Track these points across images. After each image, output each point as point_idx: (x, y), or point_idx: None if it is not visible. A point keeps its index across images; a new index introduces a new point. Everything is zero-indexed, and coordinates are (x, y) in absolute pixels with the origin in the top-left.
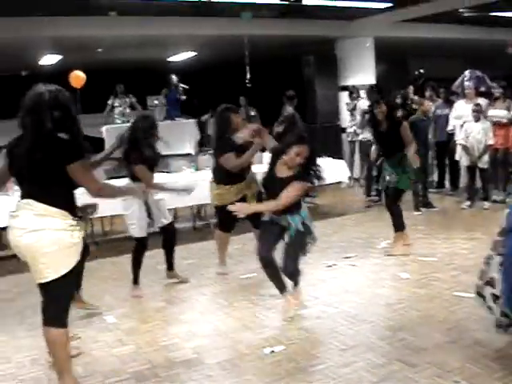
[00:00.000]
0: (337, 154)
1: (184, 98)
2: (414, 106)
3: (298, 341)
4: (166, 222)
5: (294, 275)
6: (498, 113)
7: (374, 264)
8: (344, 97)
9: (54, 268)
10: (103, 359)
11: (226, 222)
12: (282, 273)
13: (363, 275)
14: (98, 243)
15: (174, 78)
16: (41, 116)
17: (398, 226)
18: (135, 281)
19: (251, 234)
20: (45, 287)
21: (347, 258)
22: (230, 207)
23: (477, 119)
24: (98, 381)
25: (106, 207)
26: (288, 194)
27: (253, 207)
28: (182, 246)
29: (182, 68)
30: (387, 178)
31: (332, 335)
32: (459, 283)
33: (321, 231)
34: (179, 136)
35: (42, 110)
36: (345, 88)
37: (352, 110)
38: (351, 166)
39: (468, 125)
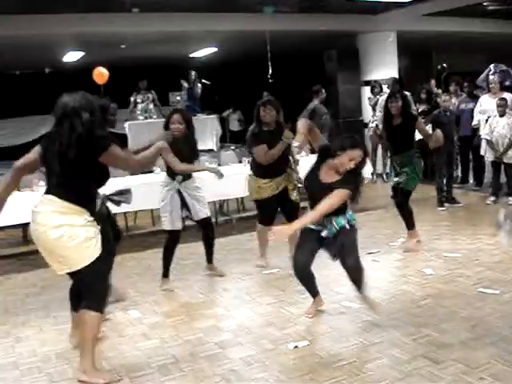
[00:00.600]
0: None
1: (199, 92)
2: (439, 100)
3: (322, 336)
4: (203, 215)
5: (357, 272)
6: None
7: (397, 260)
8: (366, 91)
9: (73, 261)
10: (127, 353)
11: (267, 215)
12: (352, 278)
13: (387, 271)
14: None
15: (194, 73)
16: (72, 122)
17: (411, 224)
18: (165, 274)
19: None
20: (76, 277)
21: (370, 253)
22: (270, 235)
23: (502, 114)
24: (123, 375)
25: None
26: (332, 202)
27: (295, 226)
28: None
29: (204, 64)
30: (396, 178)
31: (356, 331)
32: (484, 279)
33: None
34: (201, 132)
35: (71, 116)
36: (367, 83)
37: (374, 105)
38: (374, 161)
39: (493, 119)
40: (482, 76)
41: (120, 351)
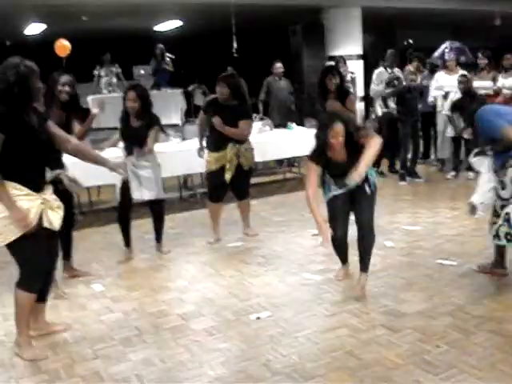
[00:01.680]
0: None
1: (171, 69)
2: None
3: (284, 307)
4: (146, 196)
5: (371, 235)
6: (484, 84)
7: None
8: None
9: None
10: (91, 326)
11: (214, 190)
12: (362, 236)
13: (349, 243)
14: (85, 213)
15: (160, 47)
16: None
17: None
18: (126, 244)
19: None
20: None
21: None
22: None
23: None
24: (86, 347)
25: (93, 177)
26: (372, 140)
27: (361, 170)
28: (168, 215)
29: (169, 37)
30: None
31: (317, 302)
32: (442, 251)
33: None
34: (166, 106)
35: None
36: (332, 58)
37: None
38: None
39: (454, 96)
40: (438, 53)
41: (83, 324)
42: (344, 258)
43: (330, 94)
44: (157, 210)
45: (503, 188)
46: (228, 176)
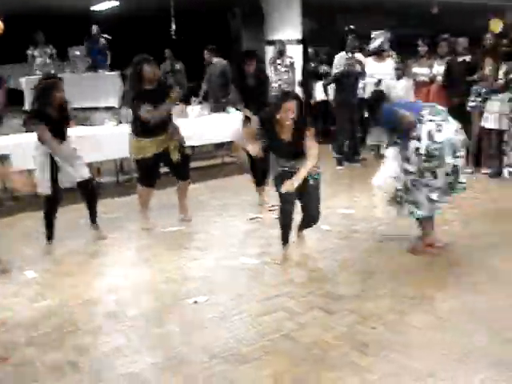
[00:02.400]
0: (263, 108)
1: (107, 51)
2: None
3: (221, 291)
4: (78, 179)
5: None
6: (421, 70)
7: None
8: (270, 51)
9: None
10: (24, 313)
11: (147, 176)
12: (311, 219)
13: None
14: (18, 198)
15: (96, 28)
16: None
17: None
18: (48, 238)
19: (174, 187)
20: None
21: (271, 210)
22: (283, 189)
23: (399, 77)
24: (19, 335)
25: (24, 161)
26: (312, 145)
27: (300, 176)
28: (105, 200)
29: (105, 18)
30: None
31: (254, 285)
32: (377, 234)
33: (244, 185)
34: (102, 88)
35: None
36: (271, 42)
37: (277, 65)
38: None
39: (390, 82)
40: (376, 44)
41: (16, 311)
42: (287, 237)
43: (248, 79)
44: (85, 189)
45: (409, 162)
46: (176, 157)
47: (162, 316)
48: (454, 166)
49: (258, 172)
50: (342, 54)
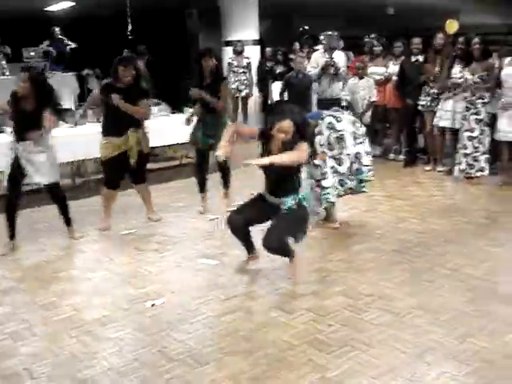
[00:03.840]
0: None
1: (66, 49)
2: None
3: (179, 293)
4: (43, 181)
5: (276, 251)
6: (377, 70)
7: None
8: (228, 52)
9: None
10: None
11: (110, 177)
12: (263, 247)
13: None
14: None
15: (57, 30)
16: None
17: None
18: (11, 236)
19: (133, 189)
20: None
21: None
22: (250, 162)
23: (361, 76)
24: None
25: None
26: (292, 155)
27: (265, 160)
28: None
29: (61, 19)
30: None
31: (212, 287)
32: (336, 234)
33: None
34: (58, 90)
35: None
36: (228, 43)
37: (235, 67)
38: (234, 121)
39: (352, 82)
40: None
41: None
42: (245, 247)
43: (206, 78)
44: (55, 194)
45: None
46: (133, 161)
47: (119, 320)
48: (357, 152)
49: (204, 177)
50: (320, 53)
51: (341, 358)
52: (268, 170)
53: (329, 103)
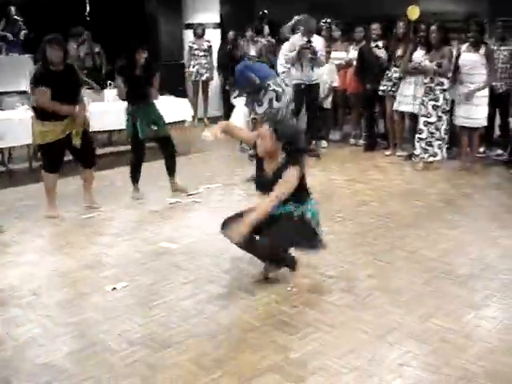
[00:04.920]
0: (180, 93)
1: (24, 32)
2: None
3: (140, 277)
4: None
5: (266, 257)
6: (338, 55)
7: (217, 200)
8: (188, 35)
9: None
10: None
11: (52, 161)
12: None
13: (206, 211)
14: None
15: (13, 10)
16: None
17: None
18: None
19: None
20: None
21: (190, 195)
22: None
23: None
24: None
25: None
26: (286, 181)
27: (251, 219)
28: (18, 187)
29: None
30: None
31: (173, 270)
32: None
33: (163, 171)
34: (14, 72)
35: None
36: (189, 26)
37: (195, 50)
38: (195, 105)
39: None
40: (287, 28)
41: None
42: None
43: (137, 69)
44: None
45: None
46: (78, 142)
47: (80, 304)
48: None
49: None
50: (298, 36)
51: (304, 339)
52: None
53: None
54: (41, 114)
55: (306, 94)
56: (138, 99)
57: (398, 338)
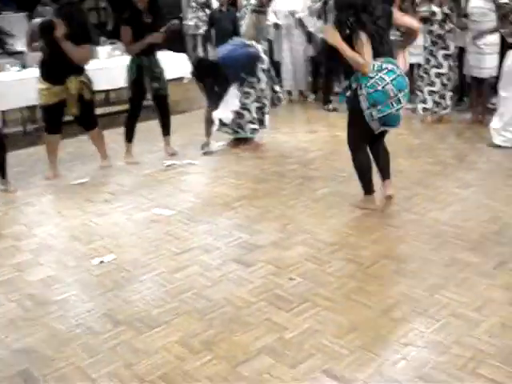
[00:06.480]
0: (179, 47)
1: None
2: None
3: (130, 248)
4: None
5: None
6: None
7: (214, 162)
8: None
9: None
10: None
11: (51, 123)
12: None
13: (202, 174)
14: None
15: None
16: None
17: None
18: None
19: (85, 136)
20: None
21: (187, 156)
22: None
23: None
24: None
25: None
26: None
27: (341, 46)
28: (11, 152)
29: None
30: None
31: (166, 239)
32: (303, 177)
33: (160, 131)
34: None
35: None
36: None
37: (193, 2)
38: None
39: (305, 17)
40: None
41: None
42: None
43: (144, 15)
44: None
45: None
46: (74, 111)
47: (64, 280)
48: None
49: (133, 125)
50: None
51: (300, 316)
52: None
53: None
54: (44, 72)
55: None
56: (147, 49)
57: (403, 312)
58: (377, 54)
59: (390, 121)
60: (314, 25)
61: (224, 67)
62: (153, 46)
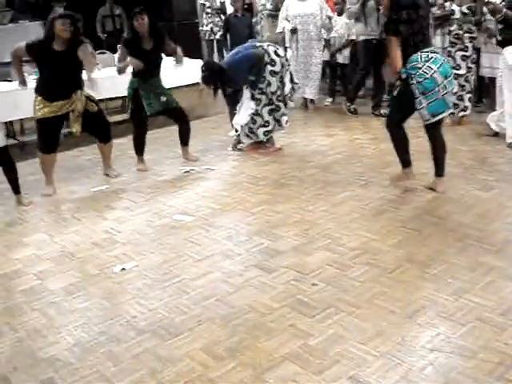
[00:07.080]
0: (195, 53)
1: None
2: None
3: (151, 255)
4: None
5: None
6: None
7: (232, 167)
8: None
9: None
10: None
11: (44, 140)
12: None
13: (221, 179)
14: None
15: None
16: None
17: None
18: None
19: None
20: None
21: (205, 162)
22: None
23: (340, 13)
24: None
25: None
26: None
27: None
28: (28, 160)
29: None
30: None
31: (186, 246)
32: (317, 181)
33: (176, 137)
34: (24, 40)
35: None
36: None
37: (208, 8)
38: None
39: (325, 22)
40: None
41: None
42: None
43: (143, 41)
44: (2, 158)
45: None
46: (77, 128)
47: (86, 288)
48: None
49: (142, 142)
50: None
51: (325, 322)
52: None
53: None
54: (38, 89)
55: (377, 50)
56: (145, 73)
57: (429, 317)
58: (424, 46)
59: (438, 107)
60: (327, 30)
61: (229, 71)
62: (155, 70)
